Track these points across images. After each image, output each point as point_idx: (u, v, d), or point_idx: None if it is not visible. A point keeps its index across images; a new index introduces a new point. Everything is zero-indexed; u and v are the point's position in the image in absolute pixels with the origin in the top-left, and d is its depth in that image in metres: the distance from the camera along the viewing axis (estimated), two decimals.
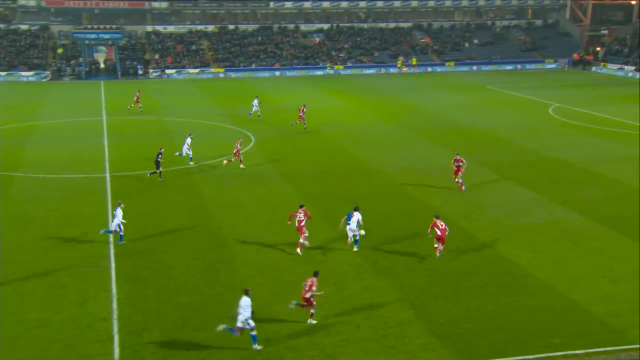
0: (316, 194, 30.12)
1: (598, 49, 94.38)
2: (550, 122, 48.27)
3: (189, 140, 35.31)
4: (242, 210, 27.71)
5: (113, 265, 22.16)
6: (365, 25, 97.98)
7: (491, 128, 45.49)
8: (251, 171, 34.22)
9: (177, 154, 35.43)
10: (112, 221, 23.98)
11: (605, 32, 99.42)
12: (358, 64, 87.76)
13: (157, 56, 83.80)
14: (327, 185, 31.58)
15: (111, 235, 24.08)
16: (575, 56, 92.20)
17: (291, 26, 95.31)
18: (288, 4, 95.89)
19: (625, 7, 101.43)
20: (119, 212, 23.74)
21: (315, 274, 18.57)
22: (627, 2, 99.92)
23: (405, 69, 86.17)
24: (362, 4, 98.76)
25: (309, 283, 18.26)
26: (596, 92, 65.35)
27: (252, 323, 16.99)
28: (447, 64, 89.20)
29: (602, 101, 58.37)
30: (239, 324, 16.99)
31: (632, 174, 33.23)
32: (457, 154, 31.59)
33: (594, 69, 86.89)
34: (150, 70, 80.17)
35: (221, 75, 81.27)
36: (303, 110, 45.30)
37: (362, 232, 23.99)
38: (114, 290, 20.28)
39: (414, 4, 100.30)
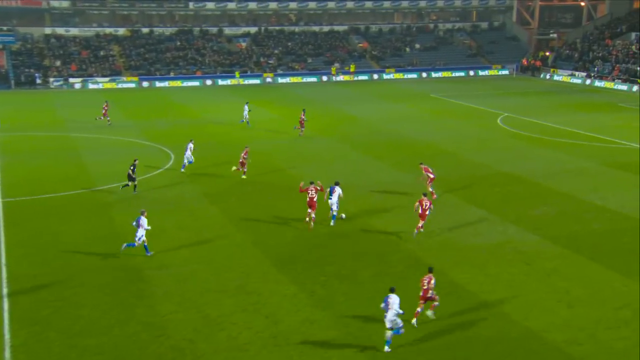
0: (245, 216, 29.95)
1: (547, 53, 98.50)
2: (500, 133, 49.88)
3: (191, 145, 37.69)
4: (162, 238, 27.21)
5: (6, 305, 21.27)
6: (296, 29, 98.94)
7: (436, 140, 46.56)
8: (171, 192, 33.74)
9: (187, 162, 37.62)
10: (137, 232, 24.77)
11: (554, 35, 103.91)
12: (290, 72, 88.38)
13: (58, 63, 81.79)
14: (257, 206, 31.45)
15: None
16: (524, 62, 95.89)
17: (214, 29, 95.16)
18: (210, 5, 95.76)
19: (574, 9, 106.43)
20: (144, 221, 24.76)
21: (430, 270, 20.40)
22: (576, 4, 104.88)
23: (342, 77, 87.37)
24: (293, 5, 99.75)
25: (426, 280, 20.08)
26: (546, 100, 68.06)
27: (400, 322, 18.57)
28: (387, 70, 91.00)
29: (553, 110, 60.82)
30: (389, 324, 18.50)
31: (586, 187, 34.67)
32: (421, 163, 33.63)
33: (543, 75, 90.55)
34: (51, 79, 78.10)
35: (145, 84, 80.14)
36: (303, 115, 48.34)
37: (343, 215, 29.20)
38: (7, 336, 19.45)
39: (350, 5, 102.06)
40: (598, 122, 54.18)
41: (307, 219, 28.12)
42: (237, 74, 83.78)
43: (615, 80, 79.92)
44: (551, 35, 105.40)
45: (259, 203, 32.12)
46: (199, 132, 49.72)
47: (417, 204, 27.19)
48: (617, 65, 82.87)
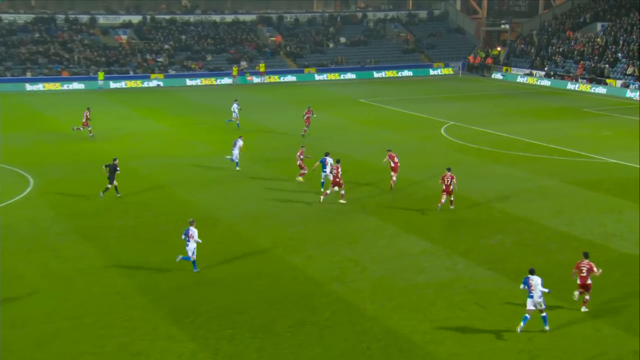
0: (129, 256, 29.38)
1: (499, 49, 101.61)
2: (444, 145, 50.88)
3: (240, 142, 42.82)
4: (16, 287, 26.32)
5: None
6: (191, 18, 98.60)
7: (368, 156, 47.05)
8: (29, 227, 32.78)
9: (228, 157, 42.94)
10: (187, 245, 27.55)
11: (507, 26, 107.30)
12: (185, 73, 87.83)
13: None
14: (144, 244, 30.90)
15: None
16: (472, 59, 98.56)
17: (84, 18, 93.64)
18: None
19: None
20: (194, 232, 27.68)
21: (586, 255, 24.65)
22: None
23: (250, 78, 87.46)
24: None
25: (587, 267, 24.18)
26: (499, 105, 70.06)
27: (545, 304, 22.71)
28: (306, 70, 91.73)
29: (507, 117, 62.65)
30: (530, 306, 22.75)
31: (548, 211, 35.70)
32: (389, 150, 39.55)
33: (495, 75, 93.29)
34: None
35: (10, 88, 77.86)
36: (309, 113, 53.90)
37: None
38: None
39: None
40: (560, 131, 56.09)
41: (338, 197, 36.38)
42: (100, 75, 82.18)
43: (580, 81, 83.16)
44: (503, 26, 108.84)
45: (146, 238, 31.56)
46: (68, 150, 48.66)
47: (440, 180, 35.06)
48: (582, 62, 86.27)
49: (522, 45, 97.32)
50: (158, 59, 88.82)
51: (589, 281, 24.15)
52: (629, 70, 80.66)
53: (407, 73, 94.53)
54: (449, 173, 34.95)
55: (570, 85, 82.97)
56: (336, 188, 36.06)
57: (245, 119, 58.79)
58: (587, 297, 24.40)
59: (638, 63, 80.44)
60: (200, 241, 27.74)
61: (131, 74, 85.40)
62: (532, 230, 33.01)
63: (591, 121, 61.83)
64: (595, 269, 24.17)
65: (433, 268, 28.48)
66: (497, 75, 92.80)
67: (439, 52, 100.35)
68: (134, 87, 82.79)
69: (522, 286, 23.25)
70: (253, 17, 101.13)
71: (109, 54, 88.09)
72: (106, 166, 37.17)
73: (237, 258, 29.23)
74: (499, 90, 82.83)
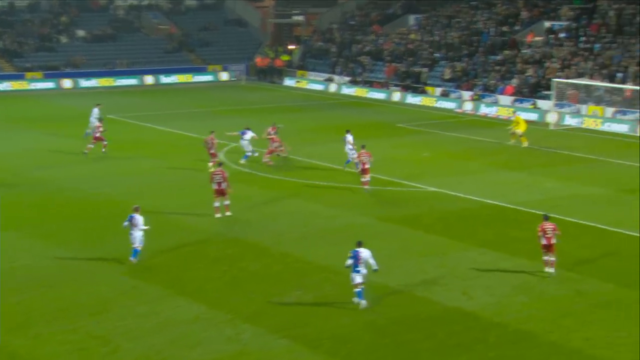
0: None
1: (292, 47, 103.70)
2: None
3: (350, 137, 51.31)
4: None
5: None
6: None
7: (121, 193, 46.54)
8: None
9: (347, 163, 51.52)
10: (132, 234, 34.29)
11: (301, 18, 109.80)
12: None
13: None
14: None
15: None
16: (259, 61, 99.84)
17: None
18: None
19: None
20: (139, 220, 34.10)
21: (546, 218, 33.64)
22: None
23: None
24: None
25: (550, 228, 32.67)
26: (293, 121, 71.26)
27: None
28: (28, 75, 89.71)
29: (303, 136, 64.17)
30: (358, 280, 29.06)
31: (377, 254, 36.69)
32: (273, 124, 54.46)
33: (287, 81, 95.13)
34: None
35: None
36: (273, 131, 55.61)
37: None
38: None
39: None
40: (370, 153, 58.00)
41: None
42: None
43: (391, 88, 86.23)
44: (295, 17, 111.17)
45: None
46: None
47: (357, 159, 46.74)
48: (392, 64, 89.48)
49: (321, 43, 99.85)
50: None
51: (553, 241, 32.73)
52: (447, 74, 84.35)
53: (172, 79, 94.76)
54: (364, 151, 46.09)
55: (380, 94, 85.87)
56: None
57: None
58: (553, 259, 32.99)
59: (458, 65, 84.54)
60: (146, 228, 34.14)
61: None
62: (337, 283, 33.33)
63: (407, 139, 64.37)
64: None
65: (210, 340, 28.36)
66: (290, 82, 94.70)
67: (214, 51, 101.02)
68: None
69: (349, 261, 29.60)
70: None
71: None
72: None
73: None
74: (293, 101, 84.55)
